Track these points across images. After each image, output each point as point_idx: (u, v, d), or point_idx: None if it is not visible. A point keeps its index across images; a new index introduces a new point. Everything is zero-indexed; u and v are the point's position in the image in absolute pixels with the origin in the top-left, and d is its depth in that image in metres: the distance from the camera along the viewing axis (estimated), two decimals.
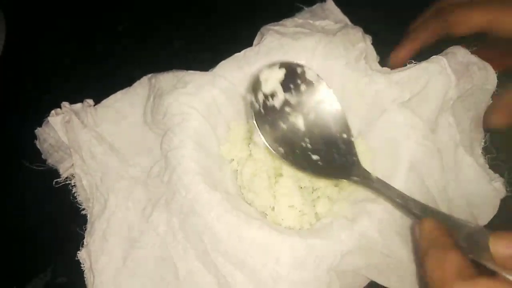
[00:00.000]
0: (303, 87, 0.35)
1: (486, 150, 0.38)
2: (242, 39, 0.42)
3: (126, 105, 0.41)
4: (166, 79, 0.39)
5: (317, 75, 0.35)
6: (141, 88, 0.42)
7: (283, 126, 0.34)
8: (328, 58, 0.38)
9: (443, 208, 0.34)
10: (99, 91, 0.43)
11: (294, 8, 0.46)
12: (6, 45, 0.49)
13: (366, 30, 0.41)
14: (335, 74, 0.38)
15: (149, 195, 0.37)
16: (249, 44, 0.41)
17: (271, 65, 0.34)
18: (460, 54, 0.37)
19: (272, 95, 0.34)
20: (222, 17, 0.50)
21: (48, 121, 0.40)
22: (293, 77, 0.35)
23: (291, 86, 0.35)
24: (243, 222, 0.32)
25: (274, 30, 0.40)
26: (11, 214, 0.41)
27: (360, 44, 0.38)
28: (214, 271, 0.33)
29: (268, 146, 0.33)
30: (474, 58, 0.37)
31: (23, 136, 0.42)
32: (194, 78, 0.38)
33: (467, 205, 0.36)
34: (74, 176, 0.39)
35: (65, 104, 0.41)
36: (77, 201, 0.39)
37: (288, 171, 0.36)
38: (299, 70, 0.35)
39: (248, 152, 0.38)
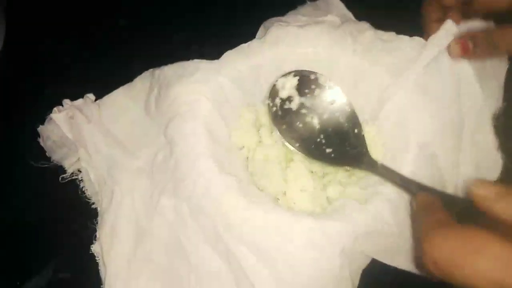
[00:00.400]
0: (317, 91, 0.38)
1: None
2: (242, 33, 0.43)
3: (128, 99, 0.42)
4: (171, 69, 0.39)
5: (329, 79, 0.38)
6: (142, 82, 0.42)
7: (300, 125, 0.38)
8: (335, 46, 0.39)
9: (451, 182, 0.36)
10: (100, 88, 0.43)
11: (296, 2, 0.47)
12: (6, 43, 0.48)
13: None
14: (342, 61, 0.39)
15: (154, 184, 0.37)
16: (250, 38, 0.41)
17: (285, 74, 0.38)
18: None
19: (289, 100, 0.38)
20: (223, 11, 0.51)
21: (51, 119, 0.40)
22: (307, 82, 0.39)
23: (306, 90, 0.38)
24: (256, 206, 0.33)
25: (278, 23, 0.41)
26: (13, 211, 0.40)
27: (369, 32, 0.39)
28: (226, 255, 0.33)
29: (285, 142, 0.37)
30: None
31: (24, 135, 0.41)
32: (201, 67, 0.38)
33: (475, 170, 0.37)
34: (80, 171, 0.39)
35: (66, 101, 0.41)
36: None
37: (299, 156, 0.37)
38: (312, 76, 0.39)
39: (258, 138, 0.39)
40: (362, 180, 0.37)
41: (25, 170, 0.40)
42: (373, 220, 0.33)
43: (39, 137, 0.40)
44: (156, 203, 0.36)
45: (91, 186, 0.38)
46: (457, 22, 0.37)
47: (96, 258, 0.36)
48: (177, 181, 0.35)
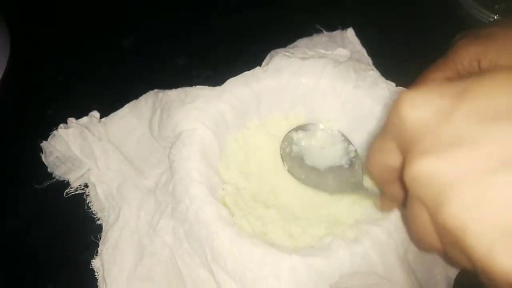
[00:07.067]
0: (328, 144, 0.41)
1: None
2: (246, 56, 0.43)
3: (133, 118, 0.42)
4: (174, 93, 0.40)
5: (338, 131, 0.41)
6: (146, 101, 0.42)
7: (308, 165, 0.41)
8: (337, 79, 0.40)
9: None
10: (102, 108, 0.43)
11: (300, 33, 0.47)
12: (10, 62, 0.49)
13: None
14: (343, 95, 0.40)
15: (157, 204, 0.38)
16: (253, 62, 0.42)
17: (301, 127, 0.42)
18: None
19: (301, 150, 0.41)
20: (227, 35, 0.51)
21: (54, 135, 0.40)
22: (319, 135, 0.42)
23: (318, 143, 0.41)
24: (244, 238, 0.33)
25: (283, 53, 0.41)
26: (10, 234, 0.40)
27: (373, 72, 0.40)
28: (215, 282, 0.34)
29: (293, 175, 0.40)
30: None
31: (26, 153, 0.42)
32: (203, 93, 0.39)
33: None
34: (86, 186, 0.40)
35: (71, 119, 0.41)
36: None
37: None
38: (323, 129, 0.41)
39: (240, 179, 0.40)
40: (351, 219, 0.38)
41: (27, 191, 0.40)
42: (359, 259, 0.32)
43: (42, 153, 0.41)
44: (156, 224, 0.37)
45: (98, 201, 0.39)
46: None
47: (95, 274, 0.36)
48: (174, 204, 0.36)
